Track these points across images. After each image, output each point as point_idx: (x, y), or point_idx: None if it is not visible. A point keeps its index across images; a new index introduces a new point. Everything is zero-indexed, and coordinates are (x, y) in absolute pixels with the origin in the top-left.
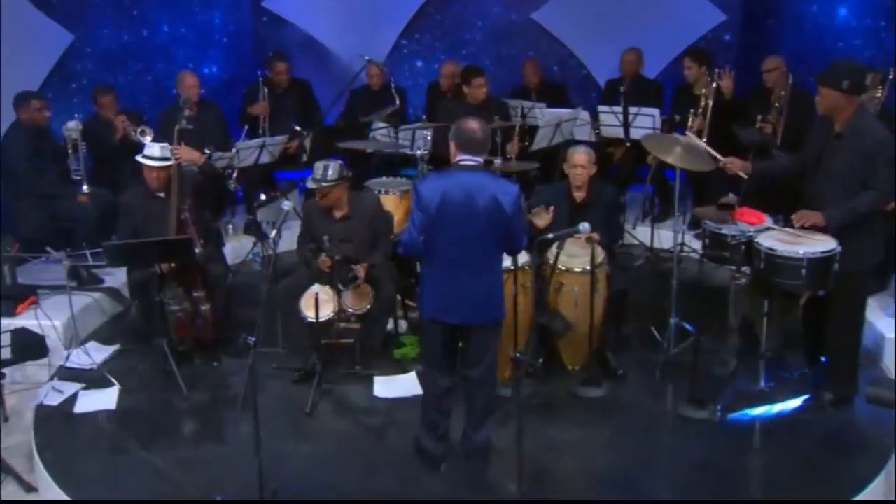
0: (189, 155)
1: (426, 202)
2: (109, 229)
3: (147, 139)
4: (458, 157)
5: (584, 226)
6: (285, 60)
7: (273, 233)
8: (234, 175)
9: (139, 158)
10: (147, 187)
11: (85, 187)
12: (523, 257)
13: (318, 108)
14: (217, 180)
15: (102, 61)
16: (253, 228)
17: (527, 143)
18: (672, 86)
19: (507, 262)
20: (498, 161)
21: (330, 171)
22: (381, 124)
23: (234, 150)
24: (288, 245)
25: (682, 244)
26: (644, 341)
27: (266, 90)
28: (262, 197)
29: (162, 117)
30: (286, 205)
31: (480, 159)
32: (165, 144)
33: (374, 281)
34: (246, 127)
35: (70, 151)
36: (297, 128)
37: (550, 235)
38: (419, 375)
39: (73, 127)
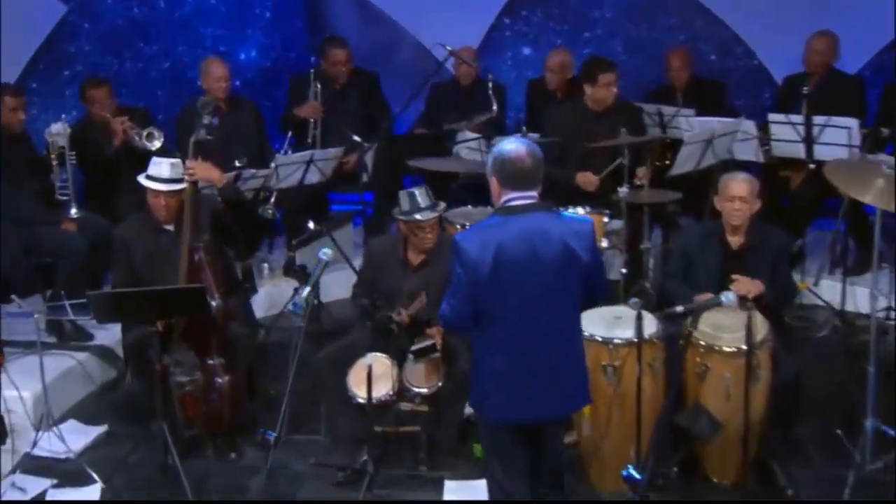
0: (206, 173)
1: (475, 263)
2: (103, 266)
3: (155, 145)
4: (506, 198)
5: (729, 297)
6: (345, 47)
7: (306, 291)
8: (272, 199)
9: (141, 180)
10: (151, 217)
11: (73, 211)
12: (651, 326)
13: (386, 110)
14: (245, 208)
15: (104, 41)
16: (295, 270)
17: (666, 164)
18: (880, 85)
19: (627, 331)
20: (624, 190)
21: (428, 199)
22: (471, 135)
23: (272, 167)
24: (340, 291)
25: (890, 309)
26: (826, 450)
27: (318, 85)
28: (311, 226)
29: (179, 119)
30: (325, 254)
31: (534, 194)
32: (177, 160)
33: (446, 350)
34: (290, 134)
35: (54, 163)
36: (357, 138)
37: (680, 309)
38: (489, 488)
39: (58, 131)
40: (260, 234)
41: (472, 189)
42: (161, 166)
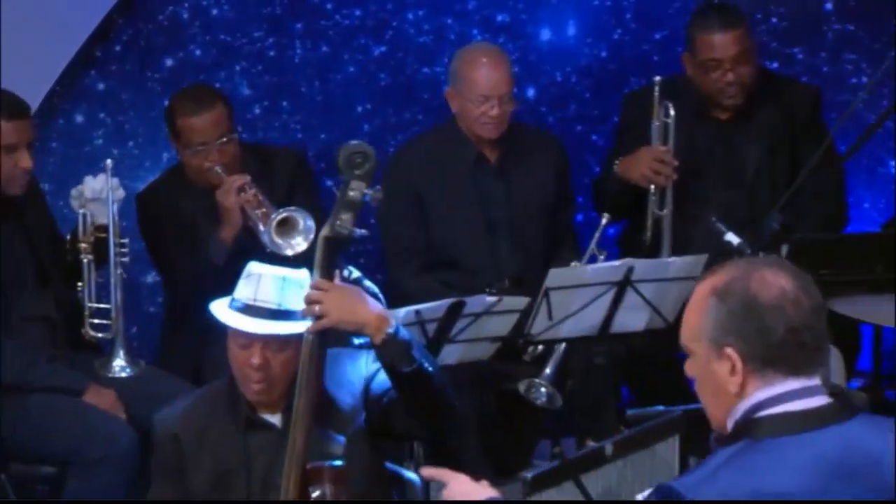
0: (350, 310)
1: None
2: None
3: (295, 246)
4: (769, 393)
5: None
6: None
7: None
8: None
9: (217, 312)
10: (234, 392)
11: (118, 363)
12: None
13: None
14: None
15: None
16: None
17: None
18: None
19: None
20: None
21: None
22: None
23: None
24: None
25: None
26: None
27: None
28: None
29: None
30: None
31: (819, 382)
32: (299, 276)
33: None
34: None
35: (87, 260)
36: None
37: None
38: None
39: (94, 195)
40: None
41: None
42: (261, 283)
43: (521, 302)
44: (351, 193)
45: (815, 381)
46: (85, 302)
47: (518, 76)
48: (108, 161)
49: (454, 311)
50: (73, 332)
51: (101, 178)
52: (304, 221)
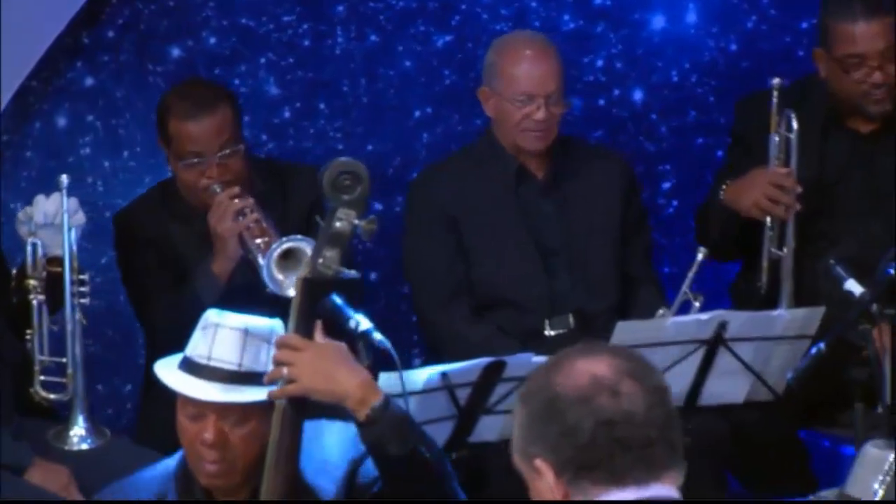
0: (322, 377)
1: None
2: None
3: (286, 286)
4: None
5: None
6: None
7: None
8: None
9: (161, 373)
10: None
11: (77, 434)
12: None
13: None
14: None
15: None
16: None
17: None
18: None
19: None
20: None
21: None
22: None
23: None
24: None
25: None
26: None
27: None
28: None
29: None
30: None
31: (671, 491)
32: (268, 328)
33: None
34: None
35: (36, 300)
36: None
37: None
38: None
39: (45, 220)
40: None
41: None
42: (218, 337)
43: None
44: (338, 224)
45: (657, 490)
46: (35, 354)
47: (621, 74)
48: (63, 177)
49: (492, 374)
50: (21, 392)
51: (56, 198)
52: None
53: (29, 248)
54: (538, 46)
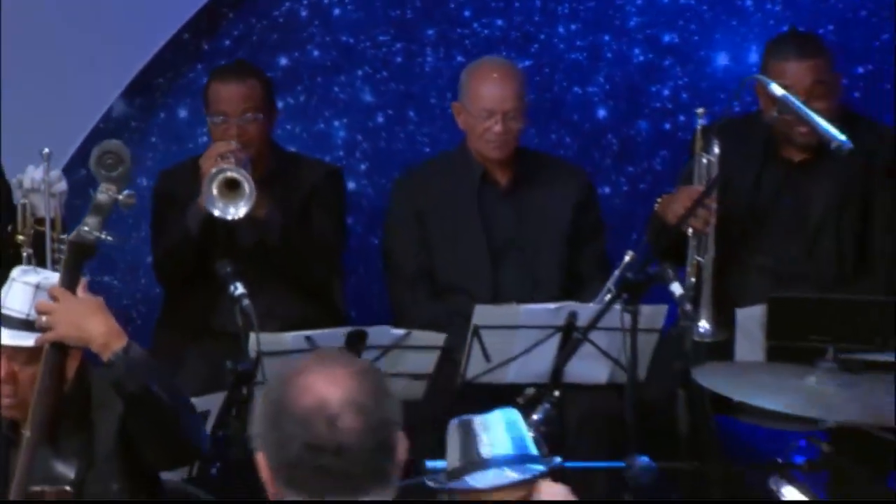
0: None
1: None
2: None
3: (234, 211)
4: None
5: None
6: None
7: None
8: None
9: None
10: None
11: None
12: None
13: None
14: None
15: None
16: None
17: None
18: None
19: None
20: None
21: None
22: None
23: None
24: None
25: None
26: None
27: None
28: None
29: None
30: None
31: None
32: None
33: None
34: None
35: (24, 255)
36: None
37: None
38: None
39: (33, 185)
40: None
41: None
42: (11, 290)
43: (437, 338)
44: (100, 196)
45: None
46: None
47: (685, 104)
48: (46, 150)
49: (354, 342)
50: None
51: (42, 168)
52: (252, 188)
53: (19, 209)
54: (503, 70)
